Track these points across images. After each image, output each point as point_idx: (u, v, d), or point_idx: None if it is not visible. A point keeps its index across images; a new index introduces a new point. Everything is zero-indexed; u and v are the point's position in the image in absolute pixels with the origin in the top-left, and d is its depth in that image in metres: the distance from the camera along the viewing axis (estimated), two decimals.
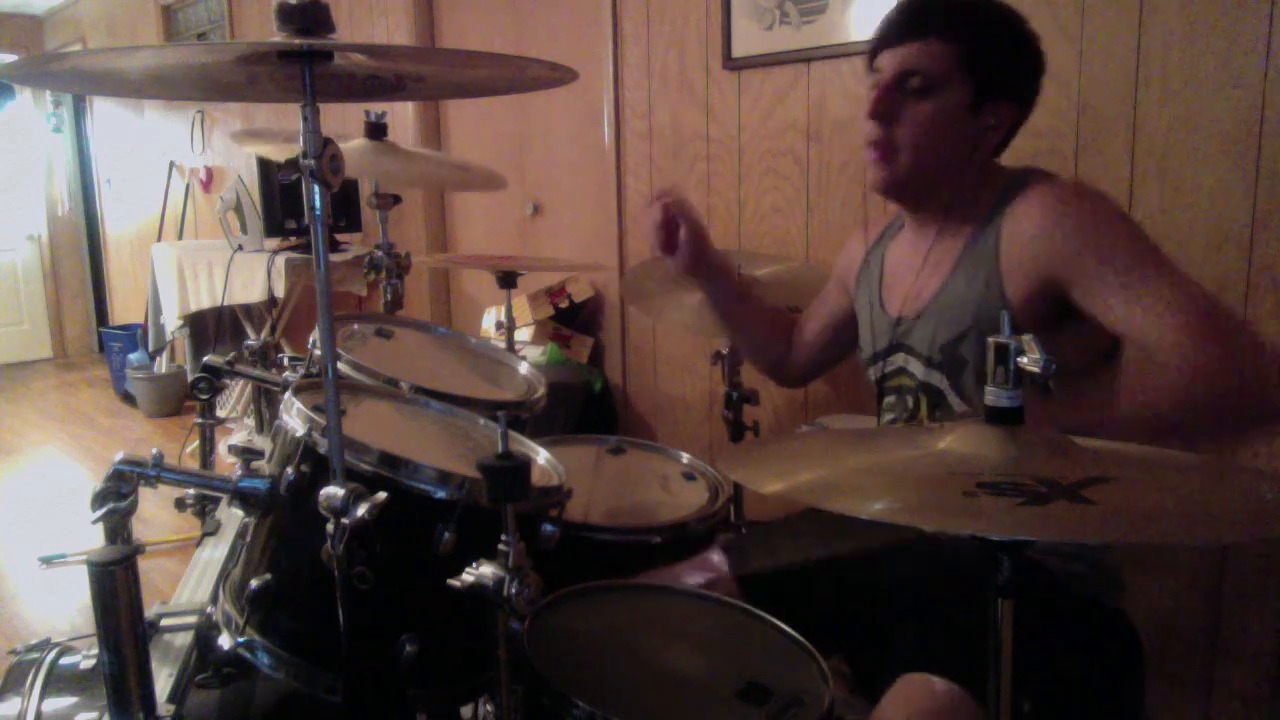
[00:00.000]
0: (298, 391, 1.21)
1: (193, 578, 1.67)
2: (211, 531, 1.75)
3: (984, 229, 1.25)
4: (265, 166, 3.83)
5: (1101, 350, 1.23)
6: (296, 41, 0.95)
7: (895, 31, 1.24)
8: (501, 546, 0.95)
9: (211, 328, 4.48)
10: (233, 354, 1.77)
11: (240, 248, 3.93)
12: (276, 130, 1.83)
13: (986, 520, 0.69)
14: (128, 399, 5.42)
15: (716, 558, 1.43)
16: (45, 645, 1.33)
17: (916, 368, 1.33)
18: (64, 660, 1.30)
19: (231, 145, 4.99)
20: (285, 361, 1.75)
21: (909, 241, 1.39)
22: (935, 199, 1.30)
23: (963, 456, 0.81)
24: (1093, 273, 1.14)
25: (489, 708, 1.23)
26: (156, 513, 3.39)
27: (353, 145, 1.78)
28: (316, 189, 0.97)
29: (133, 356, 5.28)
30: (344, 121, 3.56)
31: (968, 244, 1.26)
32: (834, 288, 1.60)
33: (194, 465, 1.70)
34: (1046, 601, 1.20)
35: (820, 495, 0.77)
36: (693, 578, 1.40)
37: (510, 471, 0.93)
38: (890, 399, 1.40)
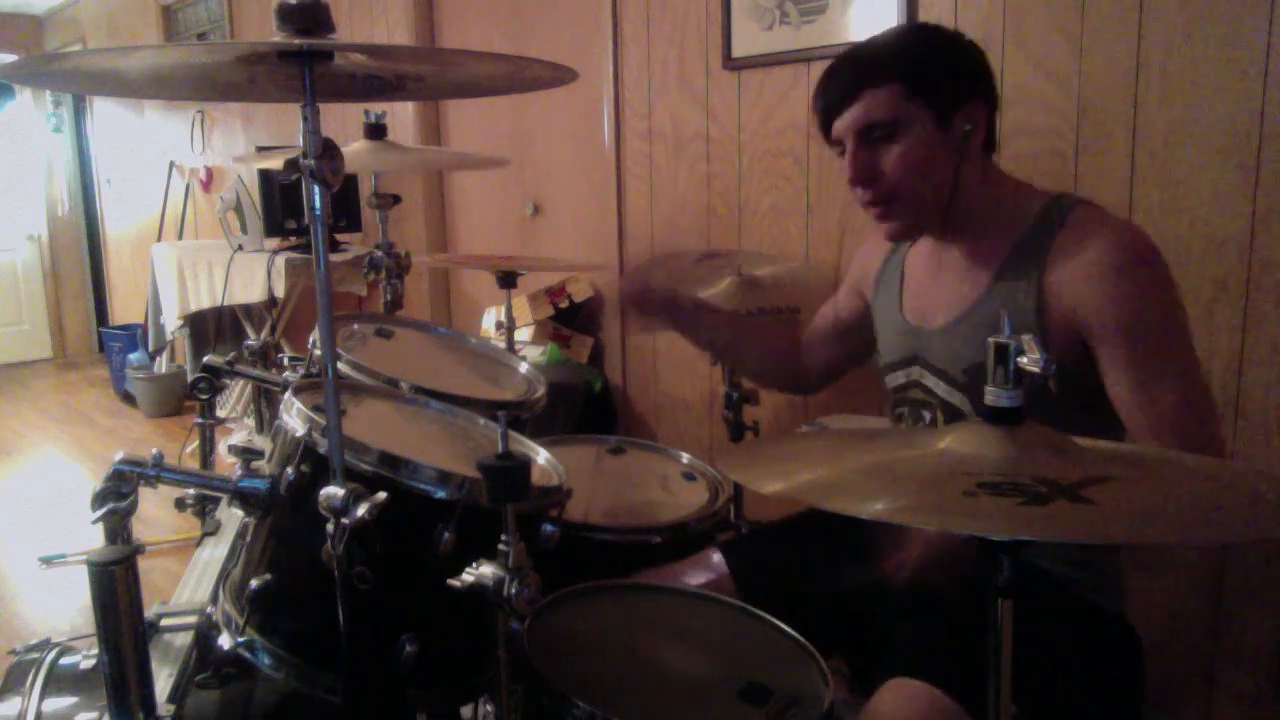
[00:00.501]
0: (298, 391, 1.21)
1: (193, 578, 1.67)
2: (211, 531, 1.76)
3: (1024, 254, 1.22)
4: (265, 167, 3.83)
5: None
6: (296, 42, 0.95)
7: (833, 101, 1.25)
8: (501, 546, 0.95)
9: (211, 328, 4.48)
10: (233, 354, 1.77)
11: (240, 248, 3.93)
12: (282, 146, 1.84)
13: (986, 520, 0.69)
14: (128, 399, 5.42)
15: (715, 558, 1.43)
16: (45, 645, 1.33)
17: (937, 384, 1.31)
18: (64, 660, 1.30)
19: (232, 145, 4.99)
20: (285, 361, 1.75)
21: (929, 249, 1.38)
22: (945, 218, 1.28)
23: (963, 456, 0.81)
24: (1115, 343, 1.14)
25: (489, 708, 1.23)
26: (156, 513, 3.40)
27: (353, 147, 1.78)
28: (316, 189, 0.97)
29: (133, 356, 5.28)
30: (344, 121, 3.56)
31: (1003, 265, 1.24)
32: (848, 290, 1.58)
33: (194, 465, 1.70)
34: (1046, 605, 1.20)
35: (820, 495, 0.77)
36: (690, 577, 1.40)
37: (510, 471, 0.93)
38: (903, 410, 1.39)
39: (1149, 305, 1.15)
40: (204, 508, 1.49)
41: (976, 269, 1.28)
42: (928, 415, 1.33)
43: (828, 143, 1.29)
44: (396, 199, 1.92)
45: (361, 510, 0.98)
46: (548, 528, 1.18)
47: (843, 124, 1.24)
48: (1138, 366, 1.14)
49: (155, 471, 1.11)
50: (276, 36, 0.97)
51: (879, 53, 1.25)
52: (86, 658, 1.30)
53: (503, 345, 2.01)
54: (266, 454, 1.24)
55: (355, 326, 1.70)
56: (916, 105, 1.20)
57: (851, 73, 1.24)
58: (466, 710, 1.29)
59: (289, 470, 1.11)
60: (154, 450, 1.13)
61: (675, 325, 1.60)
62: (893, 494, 0.77)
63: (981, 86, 1.25)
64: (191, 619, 1.39)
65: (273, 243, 3.91)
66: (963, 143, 1.23)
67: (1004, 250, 1.25)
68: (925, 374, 1.33)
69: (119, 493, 1.10)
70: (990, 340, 0.82)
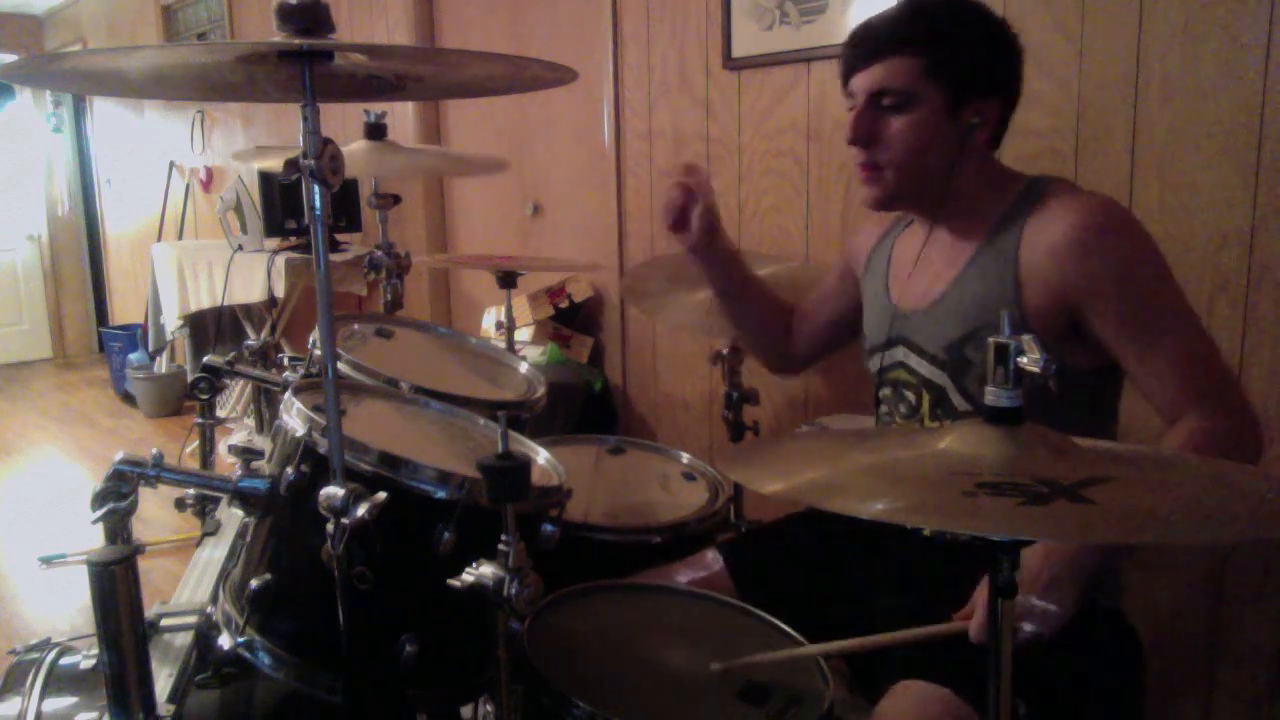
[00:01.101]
0: (298, 391, 1.21)
1: (193, 578, 1.67)
2: (211, 531, 1.75)
3: (1002, 231, 1.23)
4: (265, 169, 3.83)
5: (1111, 357, 1.23)
6: (296, 41, 0.95)
7: (858, 55, 1.25)
8: (501, 546, 0.95)
9: (211, 328, 4.48)
10: (233, 354, 1.77)
11: (240, 248, 3.93)
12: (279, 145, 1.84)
13: (986, 520, 0.69)
14: (128, 399, 5.42)
15: (711, 557, 1.43)
16: (45, 645, 1.33)
17: (919, 364, 1.32)
18: (64, 660, 1.30)
19: (232, 145, 4.99)
20: (285, 361, 1.75)
21: (917, 235, 1.39)
22: (932, 202, 1.29)
23: (963, 456, 0.81)
24: (1111, 311, 1.15)
25: (489, 708, 1.23)
26: (156, 513, 3.40)
27: (353, 147, 1.78)
28: (316, 189, 0.97)
29: (133, 356, 5.28)
30: (344, 121, 3.56)
31: (983, 244, 1.25)
32: (839, 274, 1.59)
33: (194, 465, 1.70)
34: None
35: (820, 495, 0.77)
36: (688, 578, 1.40)
37: (510, 471, 0.93)
38: (886, 391, 1.39)
39: (1133, 266, 1.15)
40: (204, 508, 1.49)
41: (958, 249, 1.29)
42: (911, 396, 1.34)
43: (845, 94, 1.29)
44: (396, 199, 1.92)
45: (361, 510, 0.98)
46: (548, 528, 1.18)
47: (861, 80, 1.25)
48: (1135, 327, 1.14)
49: (155, 471, 1.11)
50: (277, 36, 0.97)
51: (914, 20, 1.24)
52: (86, 658, 1.30)
53: (503, 345, 2.01)
54: (266, 454, 1.24)
55: (355, 326, 1.70)
56: (932, 84, 1.21)
57: (881, 33, 1.24)
58: (466, 710, 1.29)
59: (289, 470, 1.11)
60: (154, 450, 1.13)
61: (704, 245, 1.52)
62: (893, 494, 0.77)
63: (1003, 85, 1.26)
64: (191, 619, 1.39)
65: (273, 243, 3.91)
66: (967, 134, 1.23)
67: (984, 230, 1.26)
68: (909, 354, 1.34)
69: (119, 493, 1.10)
70: (990, 340, 0.82)
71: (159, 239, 5.51)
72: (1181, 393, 1.13)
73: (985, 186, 1.27)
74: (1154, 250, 1.17)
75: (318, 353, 1.51)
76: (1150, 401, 1.16)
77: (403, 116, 3.58)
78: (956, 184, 1.26)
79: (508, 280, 2.03)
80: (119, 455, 1.11)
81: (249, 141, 4.84)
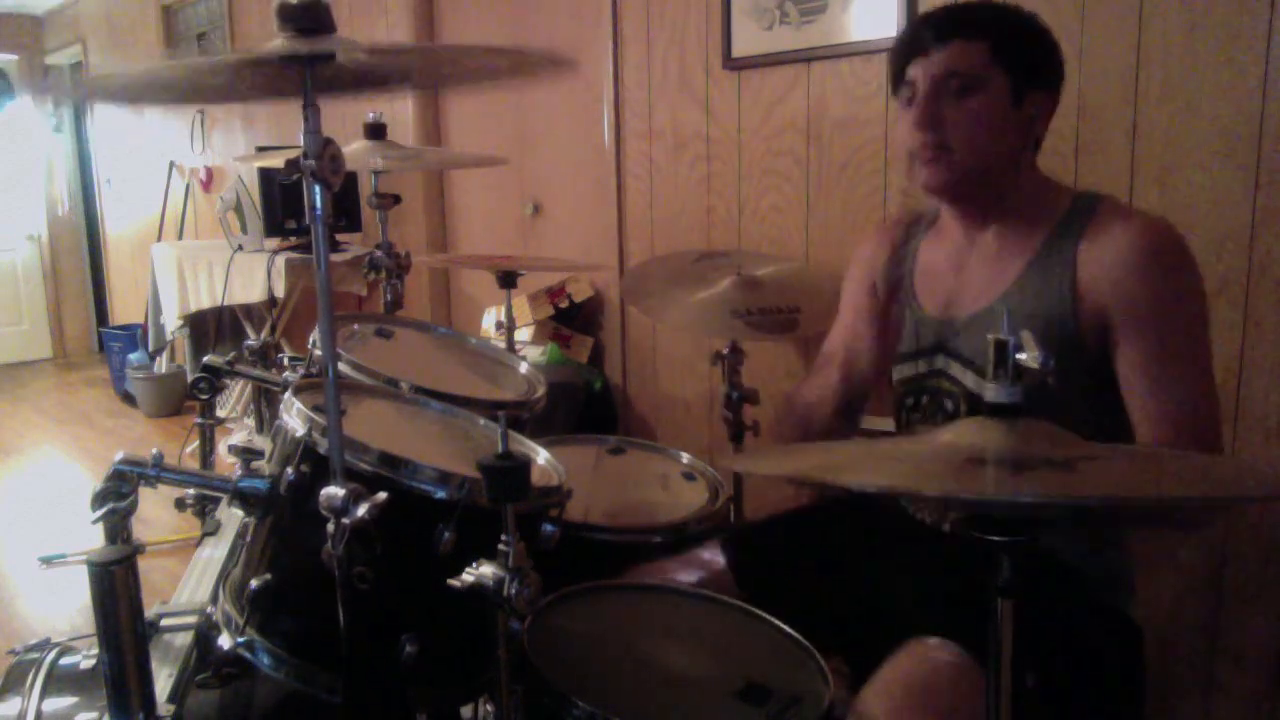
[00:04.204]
0: (298, 391, 1.21)
1: (193, 578, 1.67)
2: (211, 531, 1.75)
3: (1056, 245, 1.23)
4: (265, 166, 3.83)
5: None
6: (298, 44, 0.94)
7: (921, 41, 1.25)
8: (501, 546, 0.95)
9: (211, 328, 4.48)
10: (233, 354, 1.77)
11: (240, 248, 3.93)
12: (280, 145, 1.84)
13: (983, 482, 0.71)
14: (128, 399, 5.42)
15: (712, 554, 1.43)
16: (45, 645, 1.33)
17: (962, 374, 1.31)
18: (64, 660, 1.30)
19: (232, 145, 4.99)
20: (285, 361, 1.75)
21: (949, 239, 1.37)
22: (987, 196, 1.29)
23: (964, 447, 0.81)
24: (1136, 333, 1.16)
25: (489, 708, 1.23)
26: (156, 513, 3.39)
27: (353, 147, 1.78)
28: (317, 189, 0.97)
29: (133, 356, 5.28)
30: (344, 121, 3.55)
31: (1036, 256, 1.25)
32: (864, 294, 1.53)
33: (194, 465, 1.70)
34: (1054, 594, 1.20)
35: (824, 473, 0.78)
36: (686, 574, 1.39)
37: (510, 471, 0.93)
38: (924, 399, 1.38)
39: (1175, 297, 1.17)
40: (204, 508, 1.49)
41: (1008, 258, 1.28)
42: (950, 405, 1.33)
43: (895, 89, 1.30)
44: (396, 199, 1.92)
45: (361, 510, 0.98)
46: (548, 528, 1.18)
47: (922, 67, 1.24)
48: (1154, 356, 1.16)
49: (155, 471, 1.11)
50: (278, 37, 0.96)
51: (975, 9, 1.27)
52: (86, 658, 1.30)
53: (503, 345, 2.01)
54: (266, 454, 1.24)
55: (355, 326, 1.70)
56: (998, 69, 1.22)
57: (946, 20, 1.25)
58: (466, 710, 1.29)
59: (289, 470, 1.11)
60: (154, 450, 1.13)
61: None
62: (896, 470, 0.79)
63: (1055, 80, 1.27)
64: (191, 619, 1.39)
65: (273, 243, 3.91)
66: (1029, 126, 1.25)
67: (1036, 240, 1.26)
68: (951, 364, 1.33)
69: (119, 493, 1.10)
70: (990, 337, 0.82)
71: (159, 239, 5.51)
72: (1166, 430, 1.15)
73: (1035, 195, 1.28)
74: (1199, 287, 1.19)
75: (318, 353, 1.51)
76: (1131, 414, 1.18)
77: (403, 116, 3.58)
78: (1013, 185, 1.27)
79: (508, 280, 2.03)
80: (119, 455, 1.11)
81: (249, 141, 4.83)
